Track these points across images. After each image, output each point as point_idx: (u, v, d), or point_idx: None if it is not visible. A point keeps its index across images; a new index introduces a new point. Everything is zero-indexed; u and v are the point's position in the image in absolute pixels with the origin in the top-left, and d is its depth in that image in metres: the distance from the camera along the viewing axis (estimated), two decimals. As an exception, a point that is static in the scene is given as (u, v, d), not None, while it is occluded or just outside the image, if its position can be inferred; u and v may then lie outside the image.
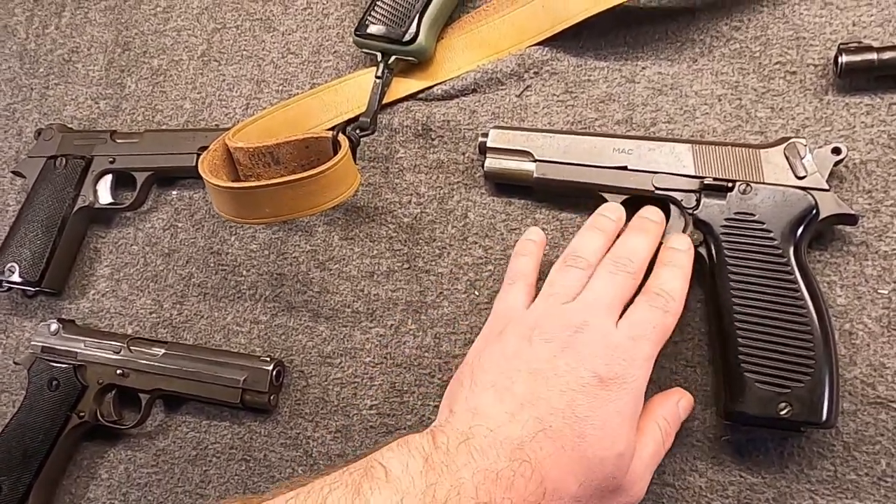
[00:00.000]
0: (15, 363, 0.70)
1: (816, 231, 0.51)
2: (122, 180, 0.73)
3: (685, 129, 0.58)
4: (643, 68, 0.60)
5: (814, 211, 0.49)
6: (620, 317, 0.47)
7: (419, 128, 0.65)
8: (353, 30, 0.66)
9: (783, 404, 0.46)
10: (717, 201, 0.52)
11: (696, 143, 0.54)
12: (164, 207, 0.72)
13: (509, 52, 0.64)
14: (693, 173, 0.53)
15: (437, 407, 0.58)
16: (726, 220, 0.51)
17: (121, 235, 0.73)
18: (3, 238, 0.73)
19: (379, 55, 0.64)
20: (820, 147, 0.52)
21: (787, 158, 0.51)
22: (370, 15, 0.64)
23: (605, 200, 0.55)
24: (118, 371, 0.65)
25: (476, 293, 0.60)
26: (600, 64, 0.62)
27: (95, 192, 0.72)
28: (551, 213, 0.60)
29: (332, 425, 0.61)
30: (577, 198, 0.59)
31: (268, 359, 0.62)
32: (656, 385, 0.53)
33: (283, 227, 0.67)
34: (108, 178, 0.73)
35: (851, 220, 0.50)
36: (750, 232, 0.50)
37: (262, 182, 0.55)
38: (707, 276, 0.51)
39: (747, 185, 0.51)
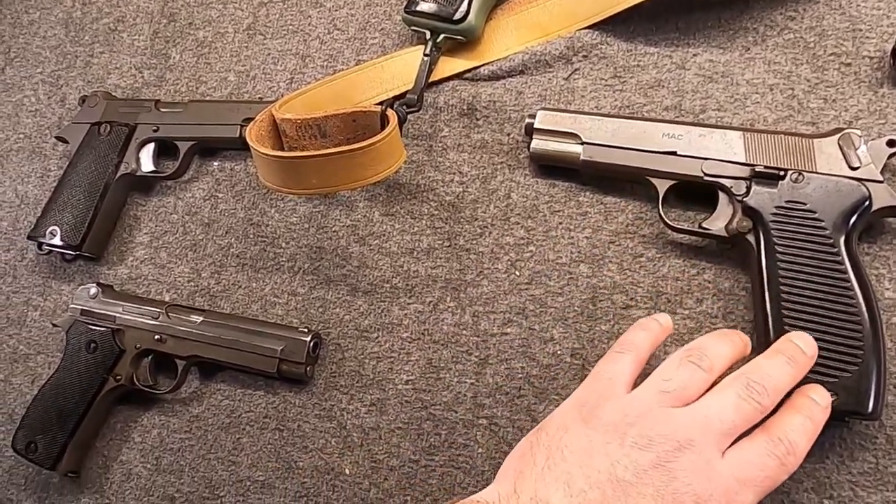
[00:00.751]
0: (53, 325, 0.70)
1: (867, 223, 0.51)
2: (165, 149, 0.74)
3: (735, 118, 0.58)
4: (694, 55, 0.60)
5: (867, 202, 0.49)
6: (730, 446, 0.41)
7: (464, 107, 0.65)
8: (399, 7, 0.66)
9: (829, 393, 0.46)
10: (768, 189, 0.51)
11: (748, 131, 0.53)
12: (204, 178, 0.73)
13: (559, 34, 0.63)
14: (744, 160, 0.53)
15: (473, 384, 0.58)
16: (777, 208, 0.51)
17: (161, 204, 0.74)
18: (44, 202, 0.74)
19: (428, 33, 0.64)
20: (874, 139, 0.51)
21: (842, 149, 0.51)
22: (421, -8, 0.64)
23: (653, 185, 0.55)
24: (156, 336, 0.66)
25: (517, 273, 0.60)
26: (651, 49, 0.61)
27: (138, 159, 0.73)
28: (595, 196, 0.60)
29: (366, 398, 0.61)
30: (623, 182, 0.59)
31: (306, 330, 0.62)
32: (697, 371, 0.53)
33: (324, 201, 0.67)
34: (151, 146, 0.73)
35: (903, 212, 0.50)
36: (801, 221, 0.50)
37: (312, 152, 0.55)
38: (755, 263, 0.51)
39: (800, 173, 0.51)
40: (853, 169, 0.50)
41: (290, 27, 0.74)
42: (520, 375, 0.57)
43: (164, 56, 0.79)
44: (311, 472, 0.61)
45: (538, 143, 0.59)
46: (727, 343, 0.45)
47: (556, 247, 0.59)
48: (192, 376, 0.67)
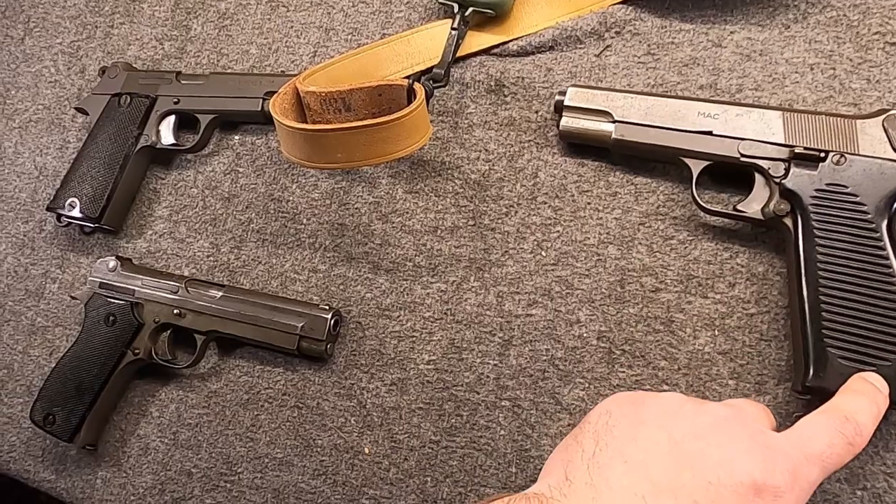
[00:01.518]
0: (71, 297, 0.70)
1: (910, 208, 0.49)
2: (185, 122, 0.73)
3: (773, 98, 0.56)
4: (731, 32, 0.58)
5: (912, 186, 0.47)
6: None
7: (492, 83, 0.64)
8: (428, -20, 0.64)
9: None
10: (808, 171, 0.50)
11: (788, 111, 0.52)
12: (225, 152, 0.72)
13: (591, 9, 0.62)
14: (783, 141, 0.51)
15: (496, 366, 0.57)
16: (817, 190, 0.49)
17: (181, 177, 0.73)
18: (63, 174, 0.73)
19: (456, 6, 0.62)
20: (920, 121, 0.49)
21: (886, 130, 0.49)
22: (450, -36, 0.62)
23: (687, 166, 0.54)
24: (175, 311, 0.65)
25: (543, 254, 0.59)
26: (686, 26, 0.59)
27: (158, 132, 0.72)
28: (626, 176, 0.58)
29: (387, 378, 0.60)
30: (655, 162, 0.57)
31: (326, 307, 0.61)
32: (729, 356, 0.52)
33: (346, 177, 0.66)
34: (172, 118, 0.72)
35: (949, 197, 0.48)
36: (842, 204, 0.48)
37: (338, 125, 0.54)
38: (792, 247, 0.50)
39: (841, 155, 0.49)
40: (898, 151, 0.48)
41: (314, -1, 0.73)
42: (544, 357, 0.56)
43: (185, 27, 0.77)
44: (329, 451, 0.60)
45: (568, 121, 0.58)
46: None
47: (584, 227, 0.58)
48: (210, 351, 0.66)
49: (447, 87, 0.64)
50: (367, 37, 0.70)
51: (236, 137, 0.72)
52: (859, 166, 0.49)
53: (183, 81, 0.72)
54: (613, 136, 0.56)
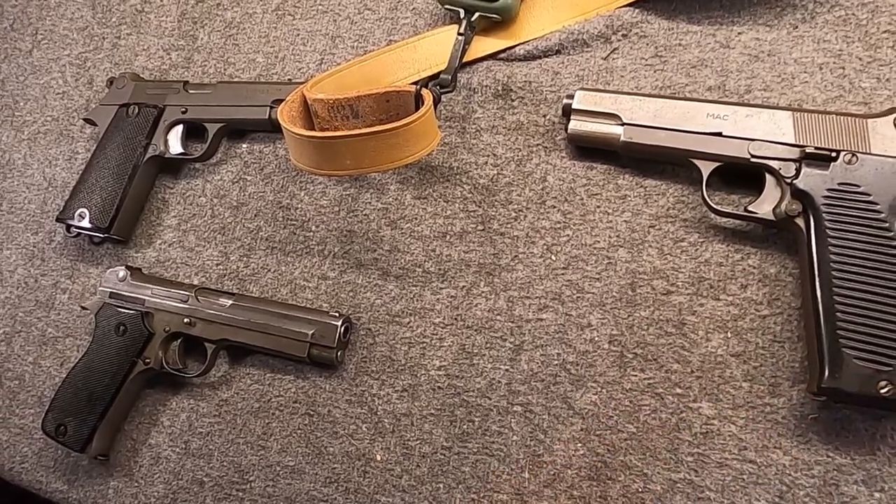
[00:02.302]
0: (82, 308, 0.70)
1: (924, 207, 0.48)
2: (193, 131, 0.73)
3: (782, 98, 0.56)
4: (739, 33, 0.58)
5: (925, 184, 0.47)
6: None
7: (499, 88, 0.64)
8: (433, -14, 0.64)
9: (884, 383, 0.45)
10: (819, 171, 0.49)
11: (798, 111, 0.51)
12: (233, 160, 0.72)
13: (597, 12, 0.62)
14: (794, 142, 0.51)
15: (507, 371, 0.57)
16: (829, 190, 0.49)
17: (189, 186, 0.73)
18: (72, 185, 0.74)
19: (462, 12, 0.63)
20: (931, 119, 0.49)
21: (898, 129, 0.49)
22: (455, -30, 0.62)
23: (696, 167, 0.53)
24: (185, 320, 0.65)
25: (553, 258, 0.58)
26: (693, 28, 0.59)
27: (166, 141, 0.72)
28: (635, 179, 0.58)
29: (398, 384, 0.60)
30: (665, 164, 0.57)
31: (337, 314, 0.61)
32: (742, 358, 0.52)
33: (355, 184, 0.66)
34: (180, 128, 0.72)
35: (962, 196, 0.48)
36: (854, 203, 0.48)
37: (346, 132, 0.54)
38: (805, 247, 0.49)
39: (853, 155, 0.49)
40: (910, 150, 0.48)
41: (320, 7, 0.73)
42: (556, 362, 0.56)
43: (191, 37, 0.78)
44: (341, 458, 0.60)
45: (576, 125, 0.58)
46: None
47: (594, 231, 0.58)
48: (221, 360, 0.66)
49: (454, 93, 0.64)
50: (374, 44, 0.70)
51: (244, 146, 0.72)
52: (871, 165, 0.48)
53: (190, 91, 0.72)
54: (622, 138, 0.56)
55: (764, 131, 0.52)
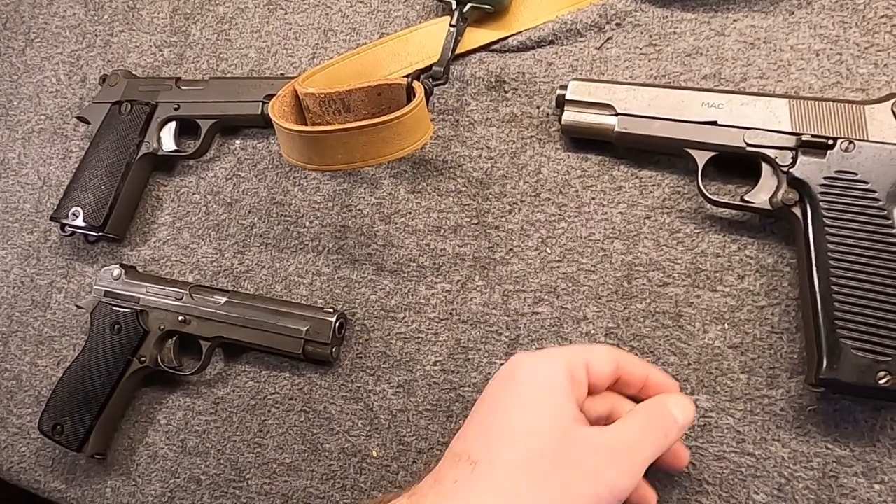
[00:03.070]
0: (77, 307, 0.70)
1: (923, 194, 0.48)
2: (186, 128, 0.72)
3: (778, 86, 0.55)
4: (734, 20, 0.57)
5: (924, 171, 0.46)
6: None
7: (492, 80, 0.63)
8: (425, -23, 0.64)
9: (882, 373, 0.44)
10: (816, 159, 0.49)
11: (794, 98, 0.51)
12: (226, 156, 0.71)
13: (591, 1, 0.61)
14: (790, 129, 0.50)
15: (503, 365, 0.56)
16: (825, 178, 0.48)
17: (183, 184, 0.72)
18: (66, 183, 0.73)
19: (454, 3, 0.62)
20: (930, 105, 0.48)
21: (895, 115, 0.48)
22: (446, -40, 0.62)
23: (692, 157, 0.53)
24: (180, 317, 0.65)
25: (548, 250, 0.58)
26: (688, 15, 0.59)
27: (159, 138, 0.72)
28: (630, 170, 0.57)
29: (393, 380, 0.60)
30: (660, 154, 0.56)
31: (331, 310, 0.61)
32: (740, 350, 0.51)
33: (348, 179, 0.66)
34: (173, 125, 0.72)
35: (962, 182, 0.47)
36: (852, 192, 0.47)
37: (337, 126, 0.54)
38: (802, 237, 0.49)
39: (850, 142, 0.48)
40: (908, 137, 0.47)
41: (311, 1, 0.72)
42: (552, 356, 0.56)
43: (183, 33, 0.77)
44: (337, 455, 0.60)
45: (570, 116, 0.57)
46: None
47: (589, 223, 0.57)
48: (216, 358, 0.66)
49: (447, 85, 0.64)
50: (366, 37, 0.69)
51: (237, 142, 0.71)
52: (869, 152, 0.48)
53: (183, 87, 0.72)
54: (616, 129, 0.55)
55: (759, 119, 0.51)
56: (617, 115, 0.55)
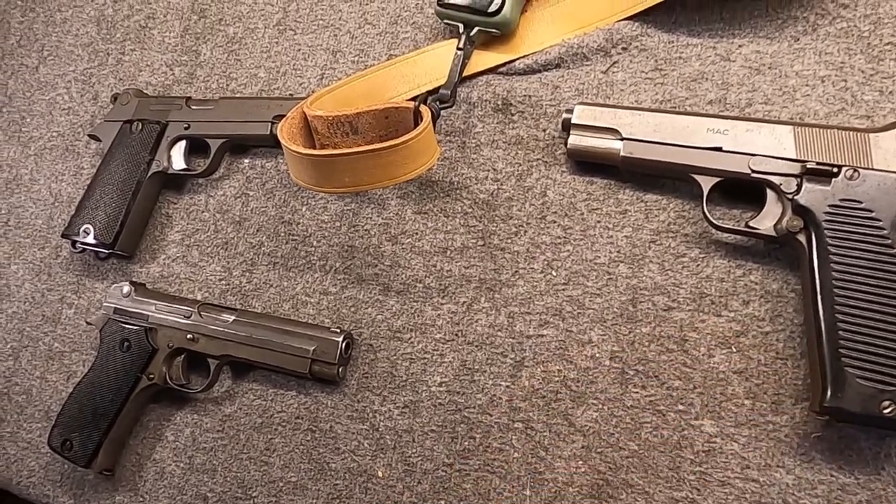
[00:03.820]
0: (87, 323, 0.71)
1: (928, 222, 0.48)
2: (196, 147, 0.73)
3: (783, 112, 0.55)
4: (740, 46, 0.57)
5: (928, 200, 0.46)
6: None
7: (499, 102, 0.63)
8: (432, 1, 0.64)
9: (887, 402, 0.44)
10: (821, 187, 0.49)
11: (799, 125, 0.51)
12: (235, 175, 0.72)
13: (597, 26, 0.61)
14: (795, 157, 0.50)
15: (508, 387, 0.57)
16: (830, 206, 0.48)
17: (192, 202, 0.73)
18: (78, 200, 0.74)
19: (461, 26, 0.62)
20: (935, 133, 0.48)
21: (900, 144, 0.48)
22: (454, -16, 0.62)
23: (696, 182, 0.53)
24: (188, 335, 0.65)
25: (553, 273, 0.58)
26: (693, 41, 0.59)
27: (169, 157, 0.72)
28: (636, 193, 0.58)
29: (399, 400, 0.60)
30: (665, 179, 0.57)
31: (338, 330, 0.61)
32: (744, 375, 0.51)
33: (356, 199, 0.66)
34: (183, 143, 0.73)
35: (967, 212, 0.47)
36: (856, 220, 0.47)
37: (345, 150, 0.54)
38: (806, 264, 0.49)
39: (855, 170, 0.48)
40: (913, 165, 0.47)
41: (321, 22, 0.73)
42: (556, 378, 0.56)
43: (194, 52, 0.78)
44: (343, 474, 0.60)
45: (576, 139, 0.57)
46: None
47: (595, 246, 0.57)
48: (224, 376, 0.67)
49: (454, 107, 0.64)
50: (374, 58, 0.70)
51: (246, 161, 0.72)
52: (873, 181, 0.48)
53: (193, 107, 0.72)
54: (622, 153, 0.55)
55: (764, 146, 0.51)
56: (622, 139, 0.55)
